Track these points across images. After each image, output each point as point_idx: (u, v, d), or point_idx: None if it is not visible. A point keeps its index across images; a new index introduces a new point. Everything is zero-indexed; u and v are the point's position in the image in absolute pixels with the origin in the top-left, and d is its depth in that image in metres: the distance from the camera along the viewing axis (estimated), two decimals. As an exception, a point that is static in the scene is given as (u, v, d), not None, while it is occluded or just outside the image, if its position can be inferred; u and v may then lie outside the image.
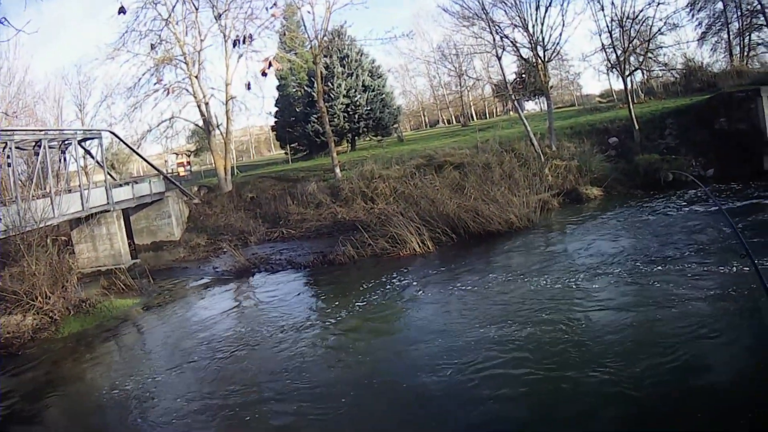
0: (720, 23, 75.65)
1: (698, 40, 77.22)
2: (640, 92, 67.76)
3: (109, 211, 38.79)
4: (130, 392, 17.26)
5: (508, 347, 16.72)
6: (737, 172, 37.39)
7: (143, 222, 45.23)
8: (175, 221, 45.87)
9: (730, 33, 74.72)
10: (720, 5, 74.34)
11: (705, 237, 26.21)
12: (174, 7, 51.29)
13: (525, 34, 46.17)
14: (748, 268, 19.18)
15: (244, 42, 50.28)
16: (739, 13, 73.53)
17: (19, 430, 16.56)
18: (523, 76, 70.44)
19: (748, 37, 74.15)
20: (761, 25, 71.87)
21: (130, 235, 42.96)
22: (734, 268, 20.89)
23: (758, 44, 74.66)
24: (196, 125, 58.03)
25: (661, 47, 61.03)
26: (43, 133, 38.33)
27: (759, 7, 69.70)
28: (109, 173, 43.83)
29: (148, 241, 44.95)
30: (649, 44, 53.35)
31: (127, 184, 44.57)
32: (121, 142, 53.39)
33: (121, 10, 17.84)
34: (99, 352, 22.23)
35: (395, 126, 75.40)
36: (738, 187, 34.44)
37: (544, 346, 16.42)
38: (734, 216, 27.77)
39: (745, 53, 73.23)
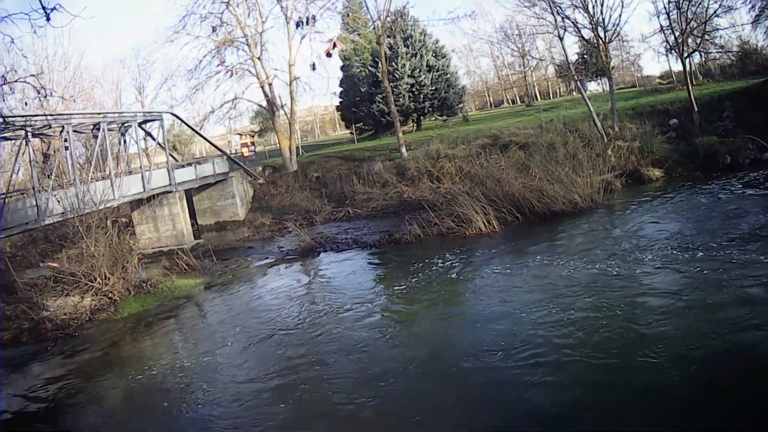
0: None
1: (752, 23, 75.87)
2: (698, 74, 66.89)
3: (171, 192, 38.99)
4: (190, 372, 17.19)
5: (565, 331, 16.60)
6: None
7: (206, 202, 45.42)
8: (239, 201, 45.95)
9: None
10: None
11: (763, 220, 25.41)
12: None
13: (585, 14, 45.66)
14: None
15: (307, 23, 50.12)
16: None
17: (75, 411, 16.33)
18: (585, 56, 70.39)
19: None
20: None
21: (192, 215, 43.40)
22: None
23: None
24: (260, 106, 57.97)
25: (718, 29, 59.94)
26: (101, 116, 38.61)
27: None
28: (171, 155, 43.82)
29: (211, 221, 45.19)
30: (705, 26, 52.49)
31: (189, 165, 44.92)
32: (183, 124, 53.79)
33: None
34: (159, 332, 22.37)
35: (460, 106, 75.00)
36: None
37: (601, 331, 16.27)
38: None
39: None
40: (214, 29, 51.85)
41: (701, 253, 22.14)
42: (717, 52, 65.92)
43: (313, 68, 51.17)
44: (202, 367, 17.45)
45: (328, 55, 50.46)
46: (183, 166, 43.66)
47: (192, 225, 41.42)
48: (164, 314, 24.43)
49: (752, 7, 73.04)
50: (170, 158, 42.49)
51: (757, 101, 43.14)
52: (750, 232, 24.06)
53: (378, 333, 18.58)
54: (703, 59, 69.49)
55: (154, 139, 43.40)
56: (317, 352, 17.66)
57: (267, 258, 32.82)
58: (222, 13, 51.59)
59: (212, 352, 18.70)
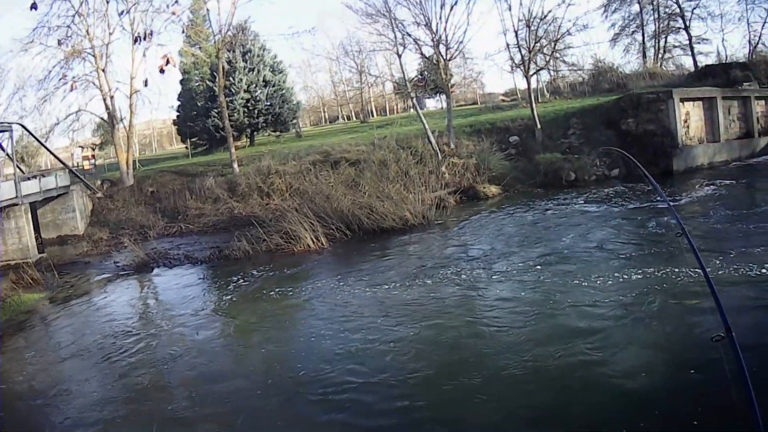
0: (635, 25, 78.28)
1: (611, 41, 79.72)
2: (546, 92, 70.18)
3: (17, 204, 39.11)
4: (37, 386, 17.84)
5: (392, 347, 17.15)
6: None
7: (49, 216, 45.45)
8: (79, 215, 46.18)
9: (645, 35, 77.46)
10: (636, 7, 76.97)
11: (599, 233, 28.33)
12: None
13: (428, 32, 47.81)
14: (633, 274, 20.54)
15: (145, 39, 51.33)
16: (656, 16, 76.26)
17: None
18: (425, 73, 71.62)
19: (664, 40, 76.98)
20: (679, 28, 74.73)
21: (37, 228, 43.39)
22: (629, 264, 22.47)
23: (674, 47, 77.67)
24: (102, 119, 58.39)
25: (570, 47, 62.39)
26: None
27: (677, 10, 72.47)
28: (18, 166, 44.26)
29: (54, 235, 45.18)
30: (556, 44, 54.80)
31: (34, 177, 44.77)
32: (30, 135, 53.60)
33: (33, 6, 19.33)
34: (6, 347, 22.50)
35: (294, 122, 76.53)
36: (648, 187, 35.41)
37: (430, 346, 17.00)
38: (650, 214, 30.56)
39: (660, 55, 76.09)
40: (60, 42, 51.99)
41: (530, 264, 24.16)
42: (569, 70, 69.20)
43: (146, 84, 52.11)
44: (46, 382, 18.00)
45: (161, 71, 51.59)
46: (28, 179, 43.62)
47: (36, 238, 41.37)
48: (12, 329, 24.58)
49: (612, 25, 77.30)
50: (17, 170, 42.76)
51: (608, 119, 46.34)
52: (575, 245, 26.67)
53: (206, 347, 19.36)
54: (552, 77, 72.80)
55: (3, 150, 43.95)
56: (152, 362, 18.49)
57: (104, 273, 33.32)
58: (72, 22, 51.79)
59: (55, 368, 19.33)
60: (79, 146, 68.60)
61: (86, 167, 63.11)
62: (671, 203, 9.37)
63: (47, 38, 52.62)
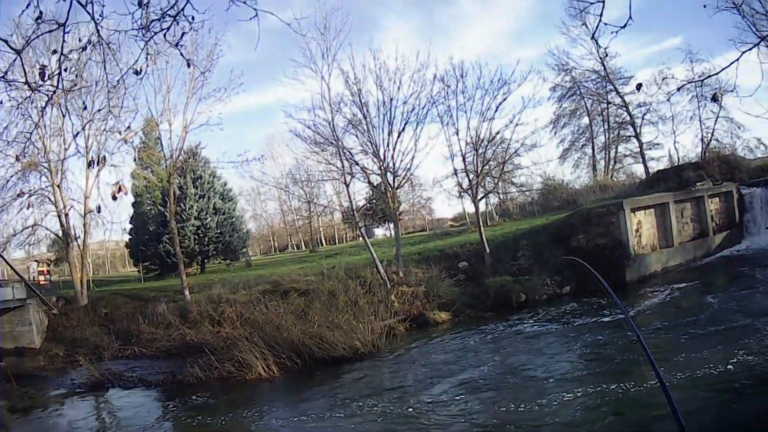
0: (585, 138, 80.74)
1: (560, 158, 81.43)
2: (495, 214, 71.79)
3: None
4: None
5: None
6: (596, 287, 39.76)
7: (7, 326, 45.44)
8: (36, 329, 46.24)
9: (595, 147, 79.76)
10: (585, 120, 79.71)
11: (552, 352, 29.15)
12: (44, 110, 51.97)
13: (376, 159, 49.10)
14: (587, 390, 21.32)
15: (98, 164, 52.47)
16: (606, 126, 79.15)
17: None
18: (373, 202, 72.76)
19: (614, 150, 79.69)
20: (629, 136, 77.15)
21: None
22: (583, 378, 23.54)
23: (625, 156, 79.90)
24: (56, 235, 58.66)
25: (519, 168, 63.67)
26: None
27: (628, 117, 75.23)
28: None
29: (11, 346, 45.00)
30: (504, 166, 55.82)
31: None
32: None
33: None
34: None
35: (244, 250, 77.86)
36: (603, 301, 36.85)
37: None
38: (603, 328, 31.56)
39: (611, 166, 78.66)
40: (17, 158, 52.05)
41: (480, 387, 24.86)
42: (517, 191, 71.11)
43: (98, 210, 52.59)
44: None
45: (114, 198, 52.33)
46: (-15, 290, 43.12)
47: (-6, 348, 40.81)
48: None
49: (561, 141, 79.21)
50: (-24, 281, 42.68)
51: (558, 237, 47.29)
52: (526, 365, 27.28)
53: None
54: (501, 199, 74.85)
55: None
56: None
57: (61, 389, 33.92)
58: (31, 134, 50.76)
59: None
60: (35, 260, 68.49)
61: (42, 282, 63.19)
62: (624, 307, 9.83)
63: (6, 148, 52.71)
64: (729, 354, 21.47)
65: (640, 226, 48.01)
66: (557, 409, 20.27)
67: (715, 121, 67.36)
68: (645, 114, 75.04)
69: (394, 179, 49.71)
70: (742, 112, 28.38)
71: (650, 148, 76.91)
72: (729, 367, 20.08)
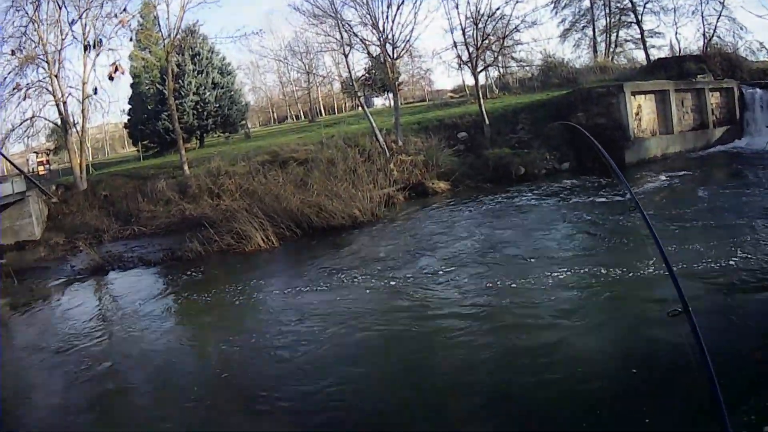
0: (585, 20, 78.45)
1: (560, 36, 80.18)
2: (494, 88, 70.51)
3: None
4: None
5: (343, 347, 17.54)
6: (594, 166, 39.61)
7: (7, 222, 45.19)
8: (36, 221, 46.09)
9: (596, 30, 77.75)
10: (587, 2, 77.20)
11: (551, 225, 29.40)
12: (39, 5, 51.76)
13: (375, 31, 48.64)
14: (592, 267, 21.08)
15: (95, 47, 51.81)
16: (607, 11, 76.76)
17: None
18: (372, 72, 72.59)
19: (615, 34, 77.34)
20: (630, 22, 75.13)
21: None
22: (583, 251, 24.14)
23: (626, 41, 78.16)
24: (55, 124, 58.38)
25: (519, 44, 62.62)
26: None
27: (629, 4, 73.04)
28: None
29: (12, 241, 44.96)
30: (504, 41, 55.29)
31: None
32: None
33: None
34: None
35: (242, 123, 77.81)
36: (602, 181, 37.11)
37: (375, 347, 17.40)
38: (602, 207, 31.49)
39: (611, 50, 76.48)
40: (13, 52, 52.21)
41: (480, 257, 25.15)
42: (517, 66, 70.12)
43: (95, 92, 52.46)
44: (15, 383, 18.42)
45: (110, 78, 51.83)
46: (-14, 187, 43.30)
47: (-5, 245, 40.90)
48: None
49: (562, 21, 77.80)
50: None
51: (557, 113, 46.66)
52: (526, 238, 27.66)
53: (161, 347, 19.87)
54: (501, 73, 73.23)
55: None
56: (111, 365, 18.83)
57: (62, 278, 33.69)
58: (26, 28, 51.88)
59: (21, 369, 19.87)
60: (34, 152, 68.43)
61: (41, 172, 63.36)
62: (622, 177, 9.30)
63: (1, 46, 53.06)
64: (728, 250, 20.90)
65: (640, 110, 47.65)
66: (553, 287, 20.01)
67: (718, 18, 64.80)
68: (647, 3, 72.66)
69: (393, 50, 49.34)
70: (745, 10, 27.26)
71: (651, 36, 74.87)
72: (730, 262, 19.52)
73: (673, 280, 7.37)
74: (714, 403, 5.87)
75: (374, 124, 48.12)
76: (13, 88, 53.52)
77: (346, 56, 51.92)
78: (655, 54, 72.01)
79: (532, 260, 23.74)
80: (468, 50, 52.32)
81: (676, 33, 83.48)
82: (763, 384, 12.59)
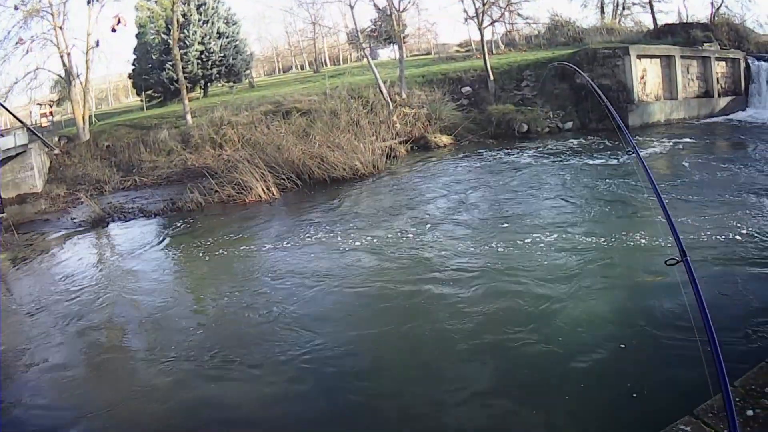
0: None
1: None
2: (500, 43, 70.16)
3: None
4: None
5: (332, 304, 17.49)
6: (597, 127, 40.28)
7: (9, 175, 44.99)
8: (38, 173, 45.99)
9: None
10: None
11: (553, 183, 29.38)
12: None
13: None
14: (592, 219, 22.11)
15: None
16: None
17: None
18: (378, 24, 71.40)
19: None
20: None
21: None
22: (583, 206, 24.30)
23: (633, 3, 77.35)
24: (59, 76, 58.17)
25: (526, 1, 62.22)
26: None
27: None
28: None
29: (13, 194, 44.64)
30: None
31: None
32: None
33: None
34: None
35: (247, 72, 77.18)
36: (608, 143, 37.06)
37: (374, 303, 17.11)
38: (605, 168, 31.26)
39: (618, 12, 75.72)
40: (16, 7, 51.79)
41: (479, 214, 25.30)
42: (524, 23, 68.85)
43: (97, 44, 52.42)
44: (15, 338, 18.24)
45: (113, 30, 51.64)
46: (-11, 139, 43.18)
47: (-3, 198, 41.26)
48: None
49: None
50: (-21, 131, 41.75)
51: (562, 72, 46.46)
52: (528, 194, 27.79)
53: (166, 300, 19.72)
54: (507, 29, 72.64)
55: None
56: (111, 319, 18.89)
57: (62, 230, 33.62)
58: None
59: (21, 324, 19.65)
60: (37, 103, 68.08)
61: (44, 124, 63.09)
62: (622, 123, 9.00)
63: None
64: (731, 222, 20.49)
65: (645, 74, 47.18)
66: (548, 249, 19.78)
67: None
68: None
69: (399, 2, 49.33)
70: None
71: (659, 1, 73.82)
72: (730, 235, 19.06)
73: (672, 228, 7.58)
74: (713, 354, 5.84)
75: (378, 76, 47.88)
76: (17, 43, 53.69)
77: (351, 7, 51.51)
78: (662, 19, 71.07)
79: (529, 220, 23.36)
80: (474, 5, 52.23)
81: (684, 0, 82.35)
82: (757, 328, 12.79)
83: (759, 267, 16.38)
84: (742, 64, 51.84)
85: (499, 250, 20.09)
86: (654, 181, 8.49)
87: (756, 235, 18.70)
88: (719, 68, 51.48)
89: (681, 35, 55.27)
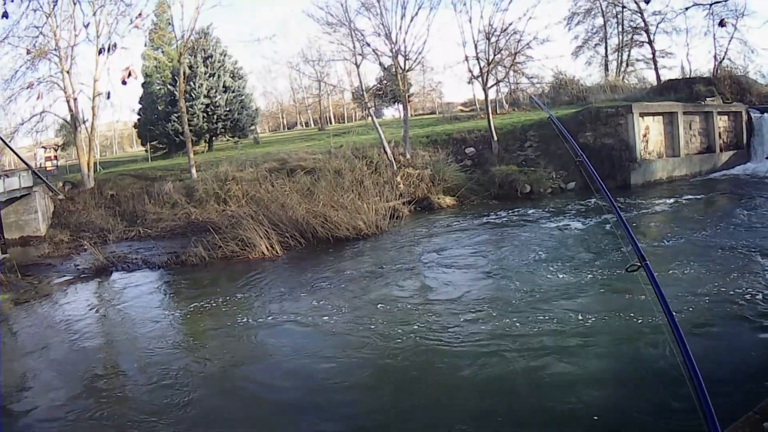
0: (598, 38, 78.95)
1: (572, 54, 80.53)
2: (504, 103, 71.04)
3: None
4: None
5: (337, 364, 17.15)
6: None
7: (12, 217, 45.23)
8: (41, 216, 46.15)
9: (608, 48, 78.22)
10: (600, 20, 77.65)
11: (549, 243, 29.56)
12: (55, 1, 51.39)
13: (387, 42, 49.02)
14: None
15: (108, 51, 52.05)
16: (620, 29, 77.03)
17: None
18: (383, 83, 73.08)
19: (627, 53, 77.54)
20: (642, 42, 75.20)
21: (0, 229, 43.04)
22: (585, 272, 23.71)
23: (637, 60, 78.24)
24: (65, 120, 58.38)
25: (530, 59, 62.45)
26: None
27: (642, 24, 72.97)
28: None
29: (16, 236, 44.96)
30: (516, 57, 55.09)
31: None
32: None
33: (5, 15, 20.48)
34: None
35: (252, 128, 78.05)
36: (605, 203, 36.72)
37: (376, 362, 16.99)
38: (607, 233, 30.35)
39: (623, 68, 76.60)
40: (28, 51, 52.34)
41: (483, 273, 25.41)
42: (528, 82, 68.32)
43: (108, 97, 52.78)
44: (16, 379, 18.15)
45: (124, 83, 51.95)
46: (-6, 179, 43.21)
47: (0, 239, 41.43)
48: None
49: (575, 37, 78.08)
50: (-15, 172, 42.00)
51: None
52: (525, 253, 27.98)
53: (162, 354, 19.51)
54: (511, 89, 73.21)
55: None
56: (111, 366, 19.06)
57: (65, 276, 33.60)
58: (42, 26, 51.31)
59: (23, 365, 19.59)
60: (42, 147, 68.35)
61: (48, 168, 63.50)
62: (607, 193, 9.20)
63: (16, 39, 52.67)
64: (731, 280, 20.68)
65: (648, 132, 47.77)
66: (552, 320, 19.12)
67: (729, 41, 64.81)
68: (659, 22, 72.22)
69: (405, 62, 49.62)
70: (757, 31, 27.32)
71: (663, 56, 74.88)
72: (730, 292, 19.27)
73: (630, 238, 8.13)
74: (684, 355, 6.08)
75: (383, 136, 48.16)
76: (28, 86, 53.89)
77: (357, 66, 52.29)
78: (665, 75, 72.32)
79: (531, 290, 22.45)
80: (479, 65, 52.67)
81: (687, 54, 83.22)
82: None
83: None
84: (744, 117, 52.53)
85: (510, 326, 19.13)
86: (618, 211, 9.38)
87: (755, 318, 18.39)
88: (721, 122, 52.11)
89: (684, 90, 55.96)
